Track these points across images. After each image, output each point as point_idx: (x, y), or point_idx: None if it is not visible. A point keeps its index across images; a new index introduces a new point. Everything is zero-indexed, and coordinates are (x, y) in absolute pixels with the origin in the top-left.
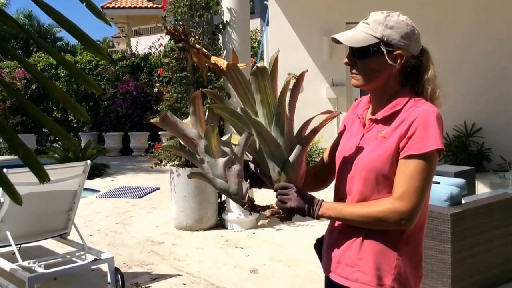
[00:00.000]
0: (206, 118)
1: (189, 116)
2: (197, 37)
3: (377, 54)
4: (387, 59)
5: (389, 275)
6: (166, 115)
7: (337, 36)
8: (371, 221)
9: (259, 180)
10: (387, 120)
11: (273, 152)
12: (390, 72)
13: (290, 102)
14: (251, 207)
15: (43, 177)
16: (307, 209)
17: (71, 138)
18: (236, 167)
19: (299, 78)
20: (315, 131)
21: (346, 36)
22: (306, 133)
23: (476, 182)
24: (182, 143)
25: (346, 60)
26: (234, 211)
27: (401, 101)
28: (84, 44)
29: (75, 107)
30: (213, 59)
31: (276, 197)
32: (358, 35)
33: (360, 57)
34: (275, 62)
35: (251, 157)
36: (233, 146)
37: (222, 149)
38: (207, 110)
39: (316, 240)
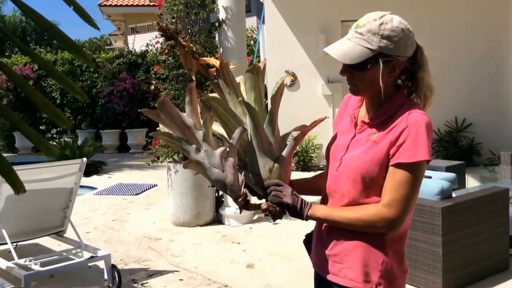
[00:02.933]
0: (200, 111)
1: (185, 106)
2: (194, 34)
3: (374, 65)
4: (385, 69)
5: (376, 272)
6: (166, 99)
7: (330, 52)
8: (359, 225)
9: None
10: (379, 125)
11: (265, 149)
12: (388, 79)
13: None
14: (244, 201)
15: (17, 187)
16: (299, 208)
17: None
18: (231, 159)
19: (280, 88)
20: (304, 132)
21: (341, 51)
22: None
23: (466, 176)
24: (175, 134)
25: (341, 71)
26: (231, 206)
27: (395, 105)
28: (68, 48)
29: (56, 113)
30: (204, 59)
31: (268, 193)
32: (353, 49)
33: (357, 69)
34: (263, 68)
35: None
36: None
37: (217, 141)
38: (202, 104)
39: (306, 236)
